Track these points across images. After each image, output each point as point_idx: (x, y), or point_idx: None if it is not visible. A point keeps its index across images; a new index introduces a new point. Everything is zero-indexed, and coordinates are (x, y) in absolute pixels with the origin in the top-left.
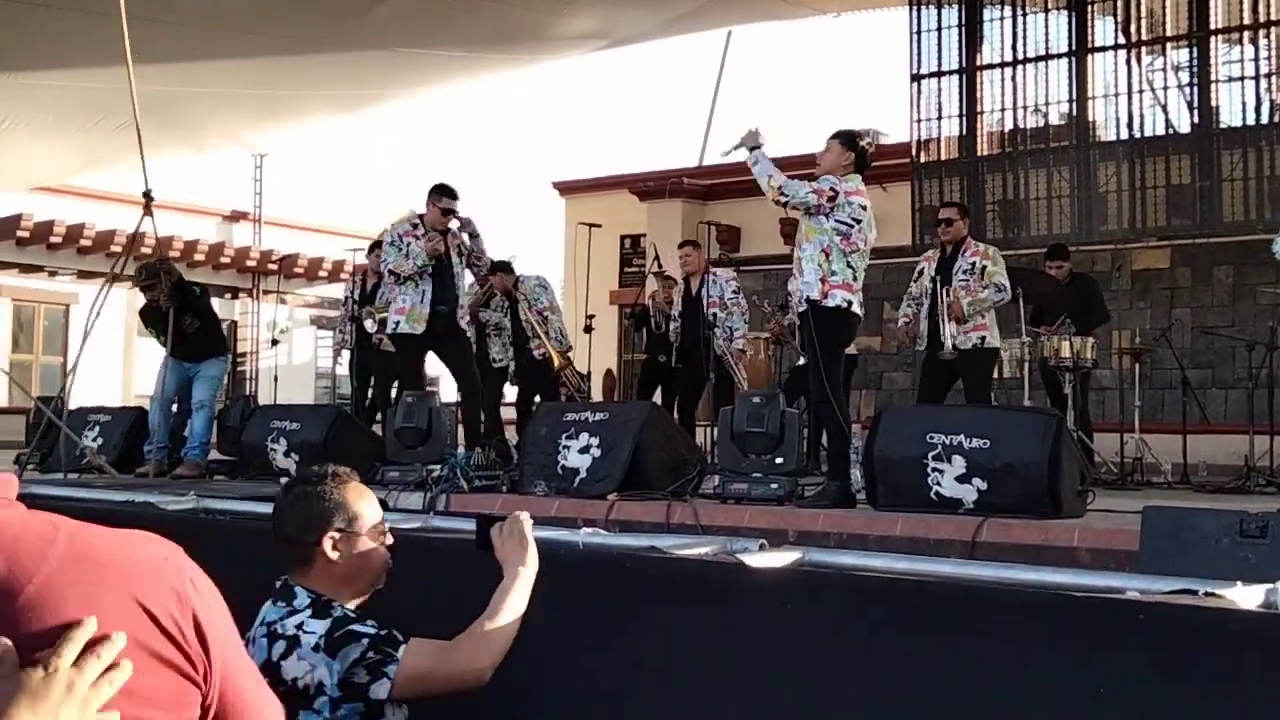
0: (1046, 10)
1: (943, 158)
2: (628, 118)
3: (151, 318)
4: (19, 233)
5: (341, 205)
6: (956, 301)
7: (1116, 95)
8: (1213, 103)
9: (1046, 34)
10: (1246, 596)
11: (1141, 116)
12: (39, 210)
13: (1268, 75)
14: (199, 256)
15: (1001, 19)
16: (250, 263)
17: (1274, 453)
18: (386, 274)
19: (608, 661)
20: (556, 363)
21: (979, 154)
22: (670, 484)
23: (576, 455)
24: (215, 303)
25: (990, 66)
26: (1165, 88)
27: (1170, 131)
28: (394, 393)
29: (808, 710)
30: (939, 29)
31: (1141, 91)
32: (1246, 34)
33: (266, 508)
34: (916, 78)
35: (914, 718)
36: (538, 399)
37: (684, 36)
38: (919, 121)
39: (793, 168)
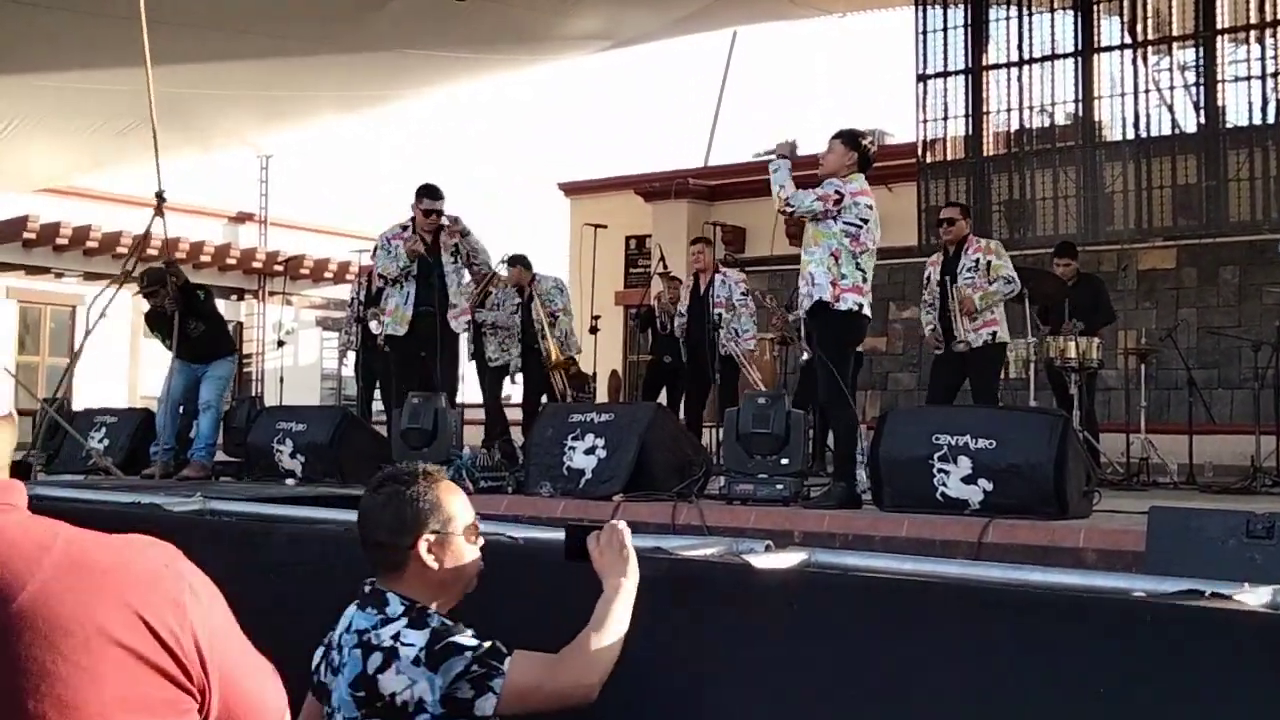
0: (1052, 10)
1: (949, 158)
2: (633, 118)
3: (157, 322)
4: (25, 234)
5: (347, 206)
6: (968, 297)
7: (1123, 95)
8: (1219, 102)
9: (1052, 34)
10: (1253, 597)
11: (1148, 116)
12: (45, 212)
13: (1274, 75)
14: (205, 258)
15: (1007, 19)
16: (256, 264)
17: None
18: (376, 276)
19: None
20: (553, 357)
21: (985, 154)
22: (676, 485)
23: (582, 456)
24: (220, 304)
25: (996, 66)
26: (1171, 87)
27: (1176, 131)
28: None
29: (813, 711)
30: (945, 29)
31: (1148, 91)
32: (1253, 33)
33: (271, 509)
34: (922, 78)
35: (920, 719)
36: (544, 400)
37: (689, 37)
38: (925, 122)
39: (798, 169)
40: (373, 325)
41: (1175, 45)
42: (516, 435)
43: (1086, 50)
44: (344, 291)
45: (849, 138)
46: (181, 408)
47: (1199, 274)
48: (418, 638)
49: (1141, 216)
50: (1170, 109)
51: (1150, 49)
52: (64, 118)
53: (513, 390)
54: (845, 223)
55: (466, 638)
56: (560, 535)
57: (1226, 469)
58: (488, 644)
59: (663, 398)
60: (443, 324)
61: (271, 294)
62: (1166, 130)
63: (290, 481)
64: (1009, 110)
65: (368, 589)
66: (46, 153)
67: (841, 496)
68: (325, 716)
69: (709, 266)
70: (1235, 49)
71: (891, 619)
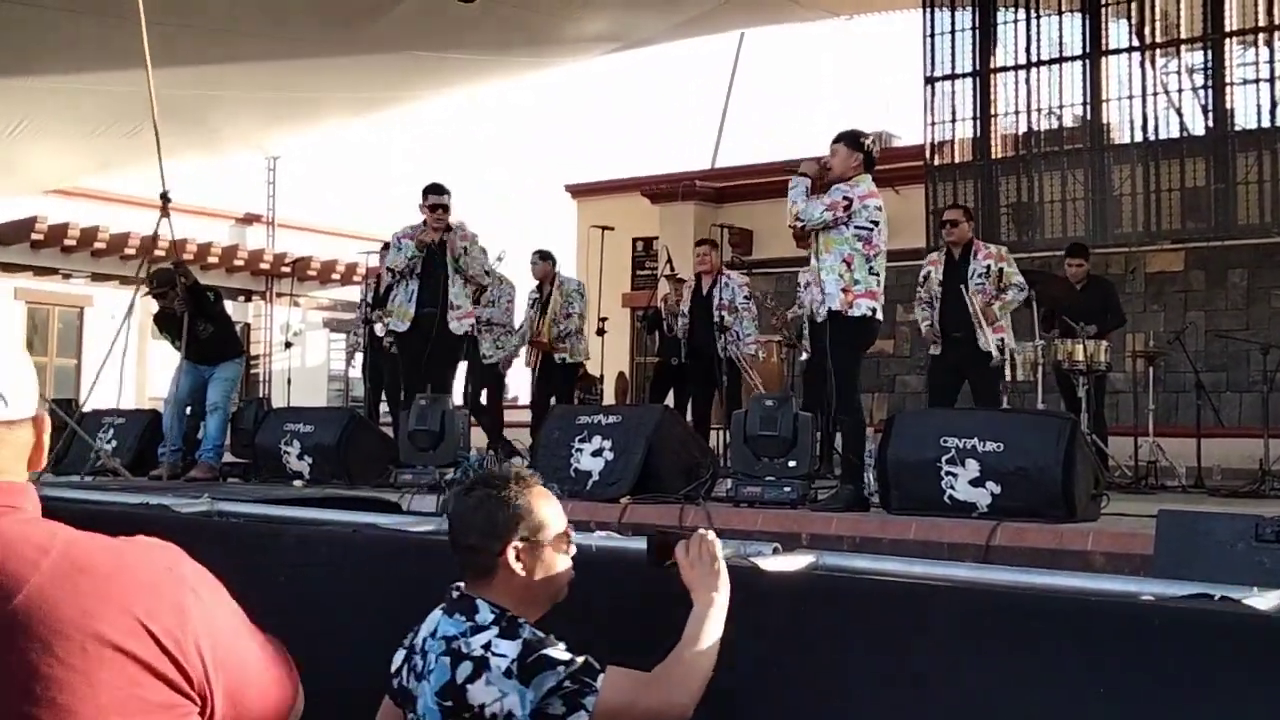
0: (1060, 13)
1: (956, 160)
2: (640, 120)
3: (166, 323)
4: (33, 235)
5: (355, 208)
6: (990, 308)
7: (1131, 98)
8: (1227, 105)
9: (1060, 36)
10: (1262, 601)
11: (1156, 119)
12: (53, 213)
13: None
14: (212, 259)
15: (1015, 21)
16: (264, 265)
17: None
18: (385, 274)
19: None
20: (543, 337)
21: (993, 157)
22: (683, 487)
23: (589, 458)
24: (229, 305)
25: (1004, 69)
26: (1180, 90)
27: (1185, 134)
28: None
29: (820, 714)
30: (953, 31)
31: (1156, 94)
32: (1261, 36)
33: (279, 510)
34: (930, 80)
35: None
36: (553, 400)
37: (696, 39)
38: (933, 124)
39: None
40: (377, 328)
41: (1184, 48)
42: (524, 436)
43: (1095, 53)
44: (351, 293)
45: (851, 139)
46: (189, 409)
47: (1207, 277)
48: (510, 648)
49: (1150, 219)
50: (1179, 112)
51: (1159, 51)
52: (72, 120)
53: (519, 392)
54: (857, 227)
55: (560, 651)
56: (636, 544)
57: (1235, 472)
58: (581, 659)
59: (670, 399)
60: (442, 324)
61: (279, 295)
62: (1175, 133)
63: (298, 483)
64: (1017, 113)
65: (455, 594)
66: (54, 154)
67: (849, 499)
68: None
69: (713, 268)
70: (1244, 51)
71: (899, 622)
